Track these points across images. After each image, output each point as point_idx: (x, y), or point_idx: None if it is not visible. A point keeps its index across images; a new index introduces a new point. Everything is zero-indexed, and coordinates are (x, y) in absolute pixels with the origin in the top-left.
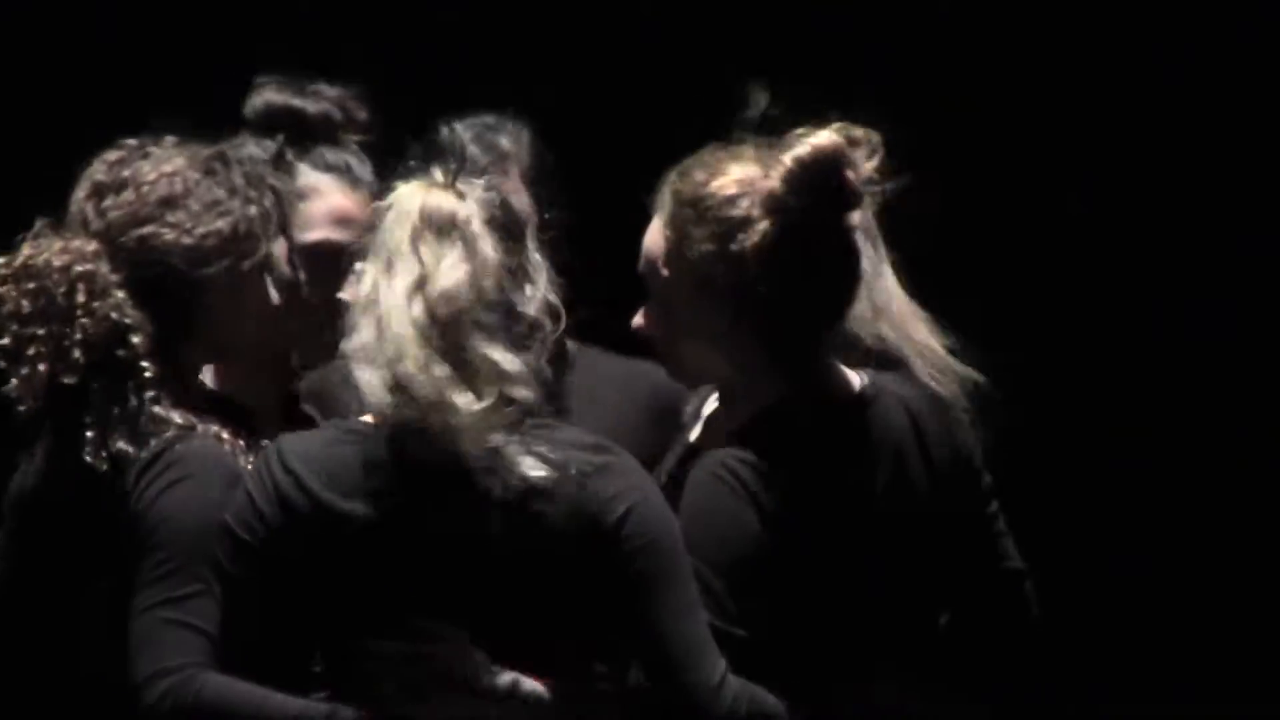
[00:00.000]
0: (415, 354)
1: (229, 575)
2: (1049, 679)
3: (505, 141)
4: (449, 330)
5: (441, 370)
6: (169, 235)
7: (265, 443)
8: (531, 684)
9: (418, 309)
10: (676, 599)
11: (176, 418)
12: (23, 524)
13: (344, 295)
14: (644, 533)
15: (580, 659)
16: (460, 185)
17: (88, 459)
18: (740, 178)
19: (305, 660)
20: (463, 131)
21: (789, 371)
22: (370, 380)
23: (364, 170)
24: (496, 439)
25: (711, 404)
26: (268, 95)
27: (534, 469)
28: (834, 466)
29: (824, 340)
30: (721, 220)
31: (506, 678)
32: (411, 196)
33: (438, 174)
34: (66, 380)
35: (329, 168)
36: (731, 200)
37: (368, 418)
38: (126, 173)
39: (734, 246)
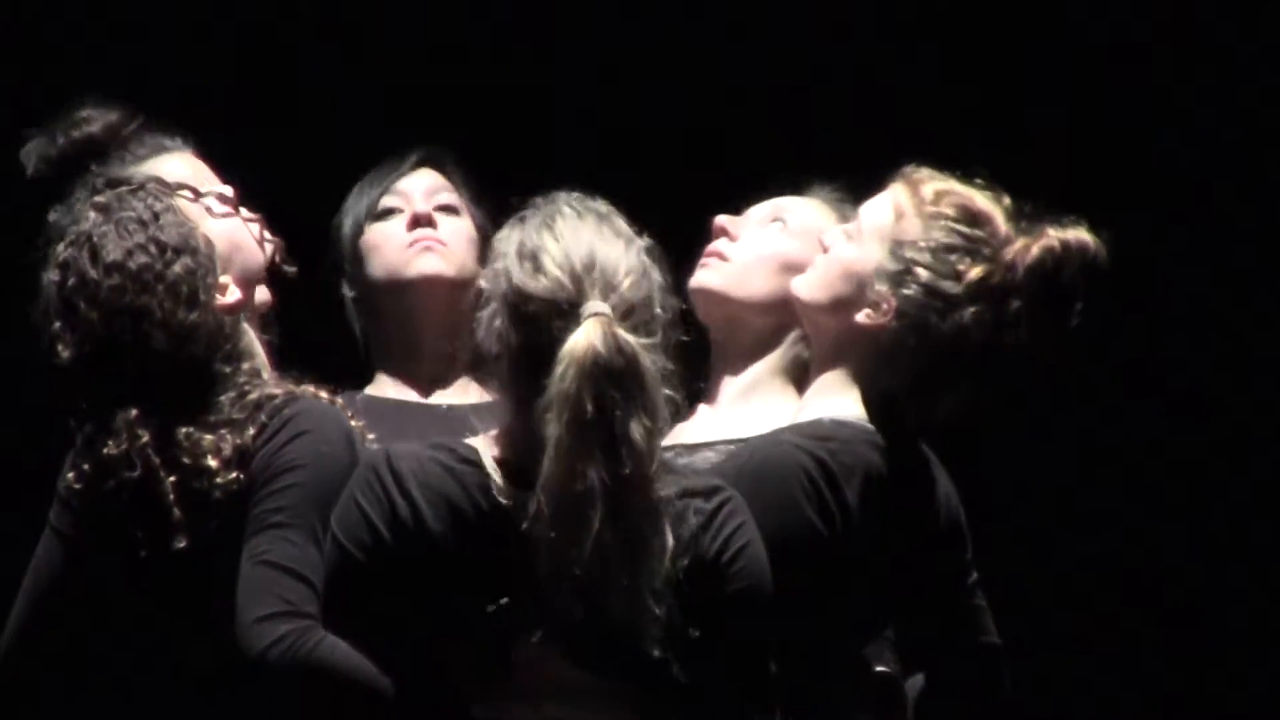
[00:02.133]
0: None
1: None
2: None
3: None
4: (634, 485)
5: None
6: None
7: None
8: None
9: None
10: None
11: (274, 386)
12: (79, 514)
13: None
14: (750, 575)
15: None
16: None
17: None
18: (995, 231)
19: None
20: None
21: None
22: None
23: (170, 140)
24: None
25: None
26: (41, 150)
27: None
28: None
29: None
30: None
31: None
32: (585, 346)
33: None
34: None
35: (150, 154)
36: (976, 247)
37: (480, 441)
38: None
39: (943, 285)
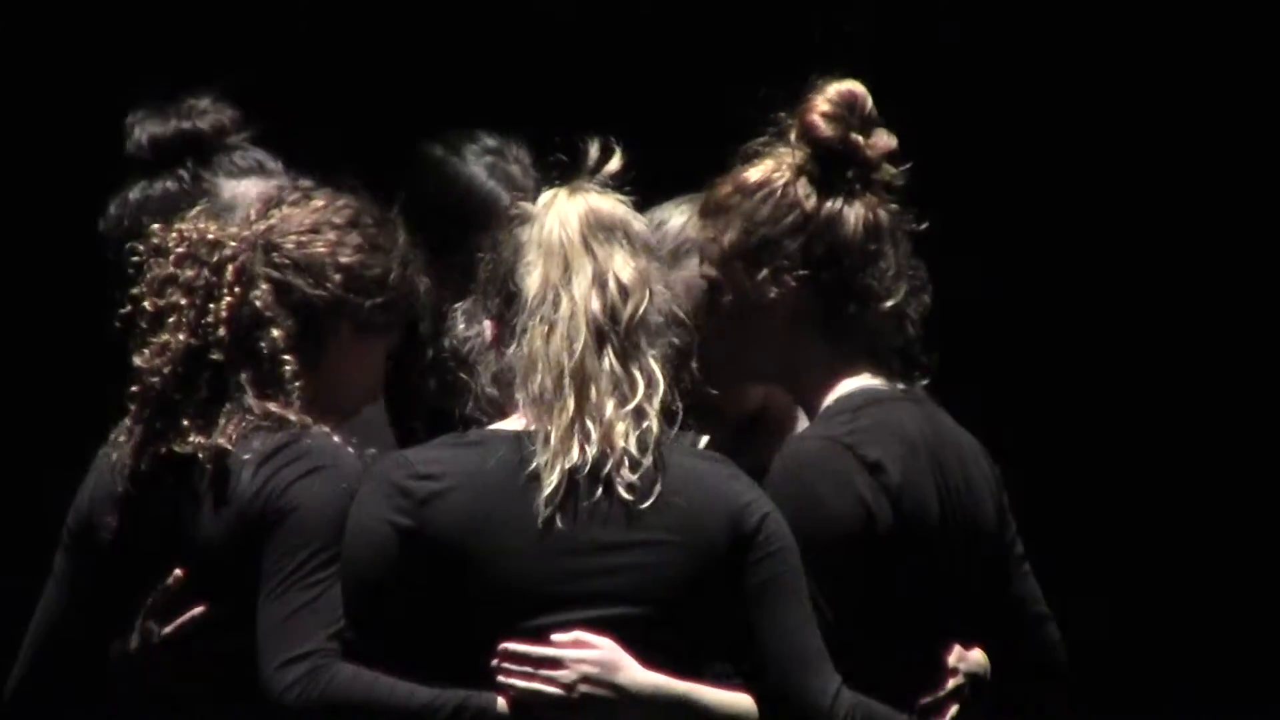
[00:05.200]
0: (592, 352)
1: (358, 584)
2: None
3: (516, 171)
4: (628, 329)
5: (618, 371)
6: (331, 251)
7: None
8: (674, 684)
9: (596, 305)
10: (799, 610)
11: (291, 415)
12: (90, 534)
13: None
14: (777, 539)
15: (704, 660)
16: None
17: (181, 449)
18: (765, 166)
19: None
20: (475, 162)
21: (861, 354)
22: (536, 381)
23: (272, 162)
24: (644, 447)
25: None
26: (151, 130)
27: (684, 479)
28: (923, 454)
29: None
30: (766, 196)
31: (650, 679)
32: (571, 199)
33: (581, 179)
34: (213, 356)
35: (244, 171)
36: (768, 178)
37: (506, 424)
38: (295, 195)
39: (787, 214)
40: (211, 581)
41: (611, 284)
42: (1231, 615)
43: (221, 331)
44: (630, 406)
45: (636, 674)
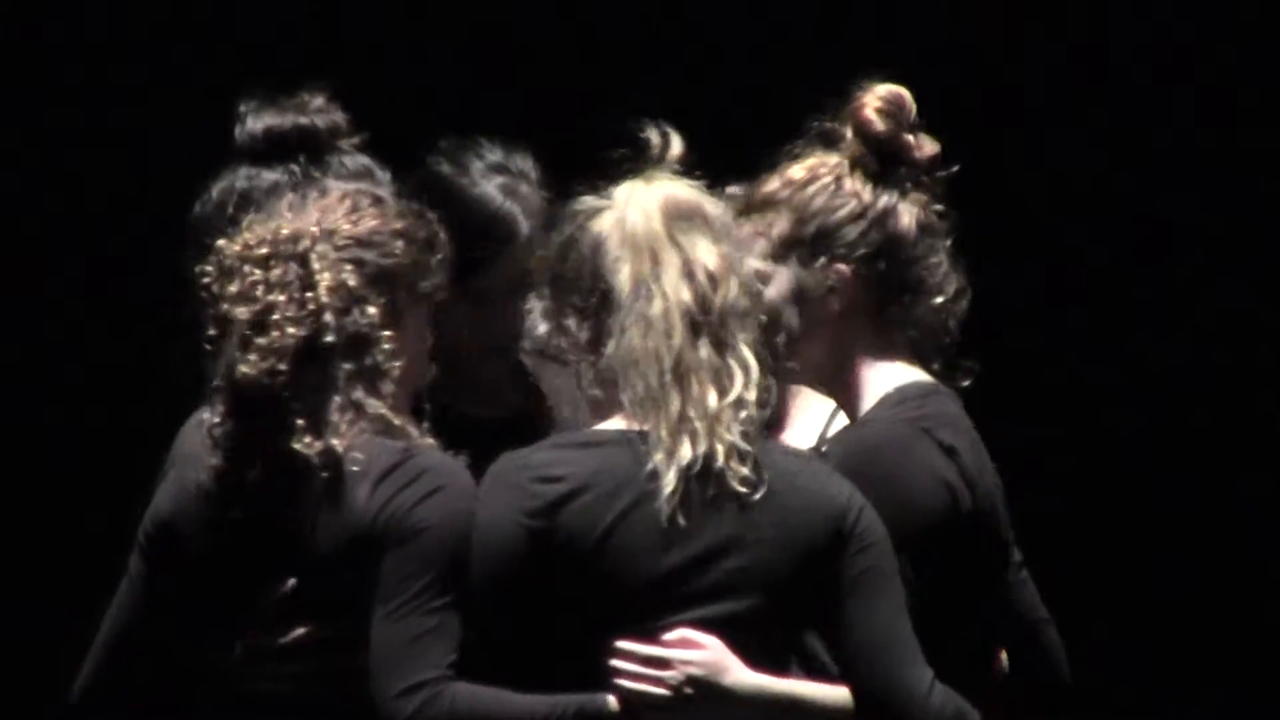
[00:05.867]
0: (689, 344)
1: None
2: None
3: (525, 189)
4: (721, 318)
5: (715, 362)
6: (382, 222)
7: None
8: (776, 684)
9: (688, 295)
10: (894, 601)
11: (396, 419)
12: (172, 538)
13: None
14: (873, 532)
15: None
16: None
17: (298, 447)
18: (809, 163)
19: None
20: (485, 182)
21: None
22: (640, 380)
23: (380, 170)
24: (749, 437)
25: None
26: (267, 121)
27: (779, 473)
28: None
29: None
30: (819, 189)
31: (754, 680)
32: (649, 189)
33: (656, 170)
34: (326, 340)
35: (355, 175)
36: (816, 173)
37: (611, 424)
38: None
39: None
40: (321, 596)
41: (700, 273)
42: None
43: (328, 317)
44: (731, 397)
45: (742, 675)
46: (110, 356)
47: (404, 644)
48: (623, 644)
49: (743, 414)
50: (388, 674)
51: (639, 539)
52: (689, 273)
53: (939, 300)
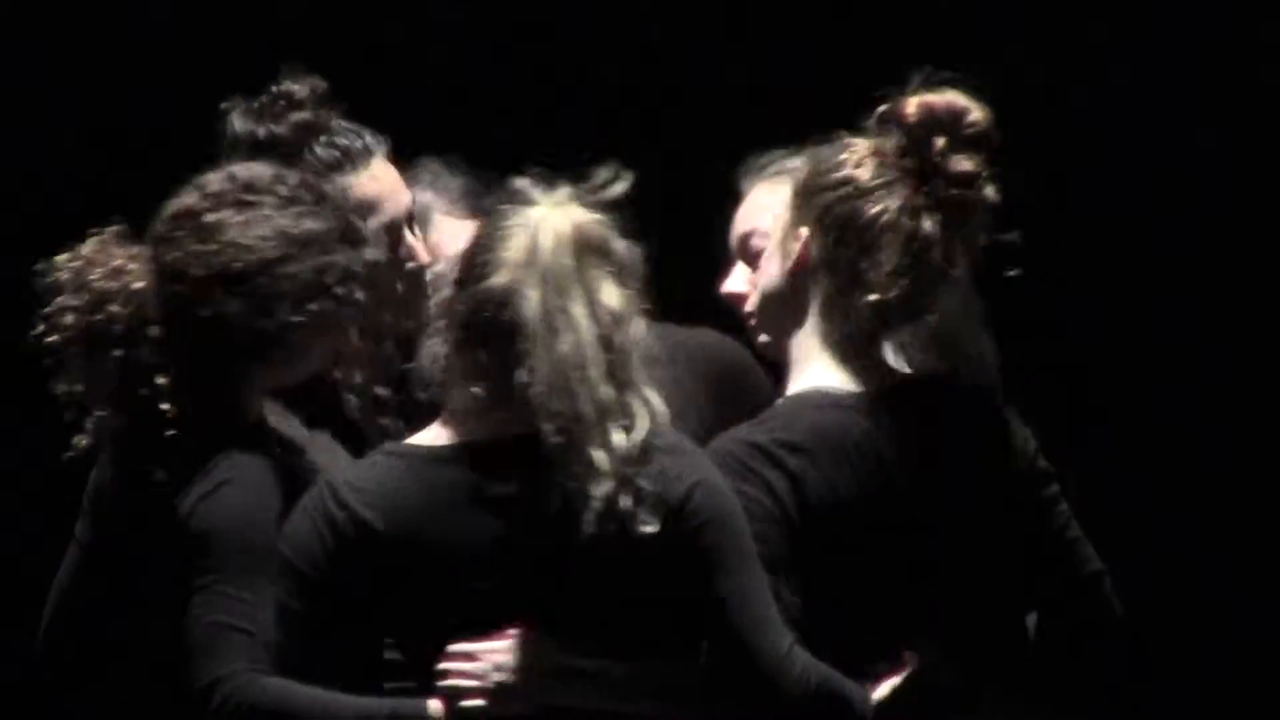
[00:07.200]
0: (592, 377)
1: (292, 608)
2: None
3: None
4: (620, 355)
5: (609, 396)
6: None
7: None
8: (602, 664)
9: (590, 334)
10: (743, 574)
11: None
12: (98, 519)
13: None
14: (709, 507)
15: (653, 640)
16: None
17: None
18: (871, 147)
19: (379, 657)
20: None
21: (849, 353)
22: (538, 406)
23: (375, 141)
24: (645, 476)
25: None
26: (239, 127)
27: (643, 520)
28: (849, 455)
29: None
30: (835, 161)
31: (580, 663)
32: (561, 217)
33: (566, 194)
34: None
35: (329, 167)
36: (846, 145)
37: (434, 438)
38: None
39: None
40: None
41: (603, 312)
42: (1231, 615)
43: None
44: (631, 436)
45: (548, 655)
46: None
47: (206, 639)
48: (448, 648)
49: (639, 453)
50: (193, 670)
51: (446, 562)
52: (593, 311)
53: (873, 298)
